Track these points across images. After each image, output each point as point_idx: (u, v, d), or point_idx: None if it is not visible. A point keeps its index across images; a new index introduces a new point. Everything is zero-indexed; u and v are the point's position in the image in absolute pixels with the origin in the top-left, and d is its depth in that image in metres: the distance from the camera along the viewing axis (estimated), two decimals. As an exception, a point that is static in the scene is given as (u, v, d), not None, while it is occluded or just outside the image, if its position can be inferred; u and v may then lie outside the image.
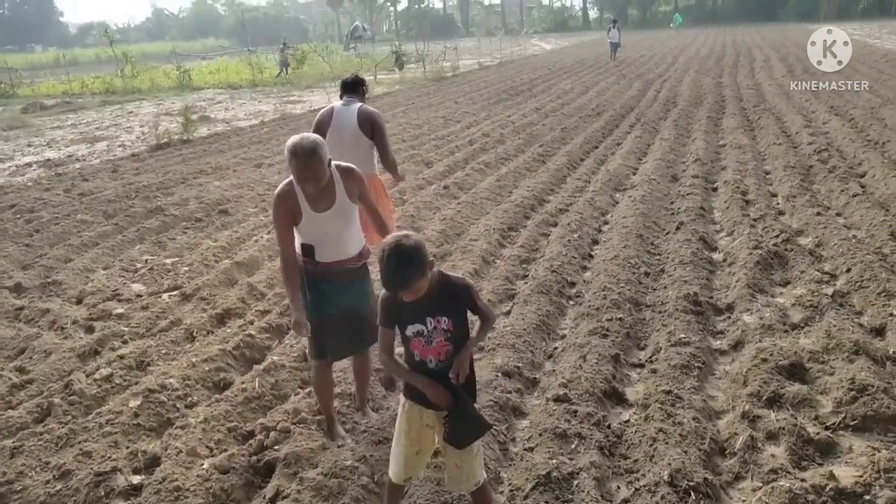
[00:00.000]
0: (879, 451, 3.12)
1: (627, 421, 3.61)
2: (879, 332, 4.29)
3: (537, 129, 12.54)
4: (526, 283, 5.43)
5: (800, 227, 6.38)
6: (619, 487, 3.10)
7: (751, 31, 42.98)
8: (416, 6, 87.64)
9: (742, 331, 4.39)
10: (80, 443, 3.55)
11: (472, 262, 5.75)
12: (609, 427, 3.51)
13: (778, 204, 7.27)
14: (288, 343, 4.58)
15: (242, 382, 4.08)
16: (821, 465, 3.15)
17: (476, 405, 2.53)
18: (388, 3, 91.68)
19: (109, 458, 3.39)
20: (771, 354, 3.93)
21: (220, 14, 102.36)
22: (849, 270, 5.11)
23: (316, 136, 3.07)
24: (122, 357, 4.46)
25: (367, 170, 4.80)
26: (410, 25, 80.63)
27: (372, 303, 3.52)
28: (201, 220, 7.93)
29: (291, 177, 3.11)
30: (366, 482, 3.11)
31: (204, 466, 3.26)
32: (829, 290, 4.84)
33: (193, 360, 4.34)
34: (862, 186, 7.41)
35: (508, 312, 4.90)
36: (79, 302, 5.73)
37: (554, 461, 3.13)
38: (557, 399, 3.65)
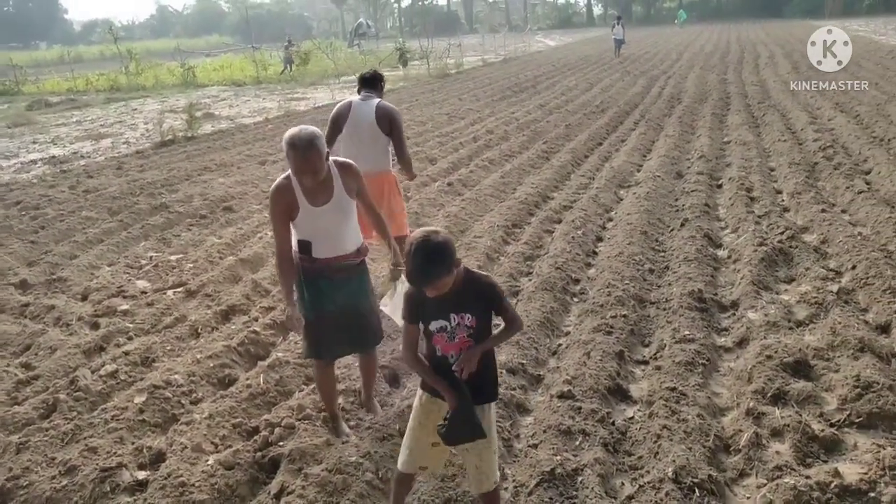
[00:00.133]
0: (884, 449, 3.11)
1: (632, 418, 3.61)
2: (885, 329, 4.28)
3: (541, 125, 12.52)
4: (530, 279, 5.43)
5: (805, 223, 6.36)
6: (623, 484, 3.10)
7: (755, 28, 42.84)
8: (420, 3, 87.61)
9: (747, 328, 4.38)
10: (85, 438, 3.56)
11: (476, 259, 5.74)
12: (613, 424, 3.50)
13: (783, 201, 7.25)
14: (292, 339, 4.57)
15: (247, 379, 4.08)
16: (826, 462, 3.14)
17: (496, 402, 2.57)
18: (392, 0, 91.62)
19: (115, 453, 3.40)
20: (776, 351, 3.92)
21: (224, 11, 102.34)
22: (854, 267, 5.10)
23: (314, 128, 3.07)
24: (127, 353, 4.48)
25: (383, 166, 4.78)
26: (414, 22, 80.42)
27: (373, 301, 3.52)
28: (206, 216, 7.95)
29: (289, 171, 3.12)
30: (370, 478, 3.11)
31: (209, 462, 3.27)
32: (835, 287, 4.83)
33: (198, 356, 4.35)
34: (867, 183, 7.38)
35: (512, 309, 4.90)
36: (84, 298, 5.75)
37: (558, 458, 3.13)
38: (562, 396, 3.65)
